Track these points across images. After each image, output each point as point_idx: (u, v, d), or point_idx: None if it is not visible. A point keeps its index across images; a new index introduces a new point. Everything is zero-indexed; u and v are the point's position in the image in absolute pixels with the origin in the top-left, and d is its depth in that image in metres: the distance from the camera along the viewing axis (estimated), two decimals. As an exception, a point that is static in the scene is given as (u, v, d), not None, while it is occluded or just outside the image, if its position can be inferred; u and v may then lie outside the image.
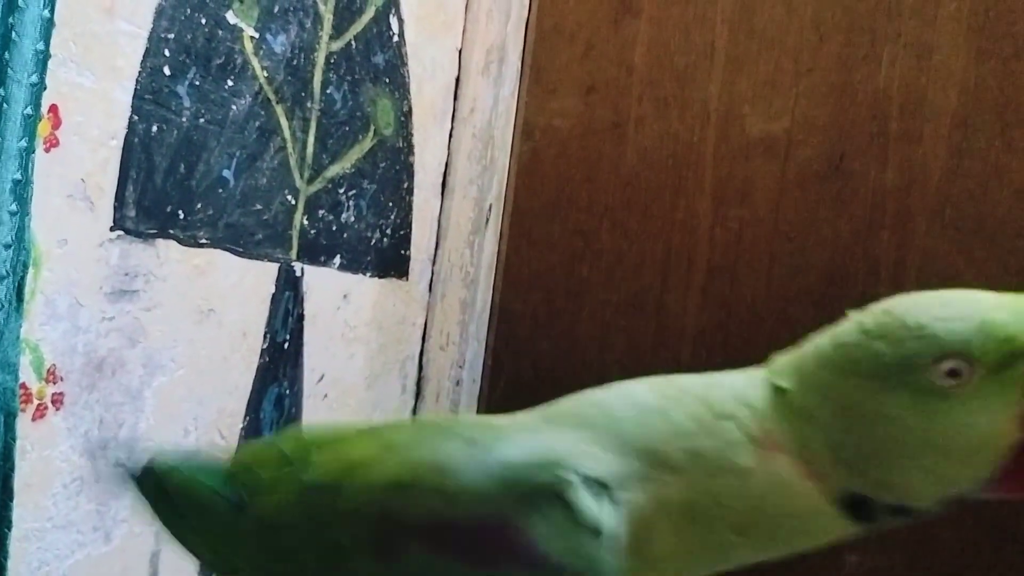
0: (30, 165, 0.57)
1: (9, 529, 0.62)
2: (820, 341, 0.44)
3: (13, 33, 0.51)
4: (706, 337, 1.24)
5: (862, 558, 1.16)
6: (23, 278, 0.58)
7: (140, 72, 0.78)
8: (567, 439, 0.40)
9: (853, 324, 0.42)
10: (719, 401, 0.43)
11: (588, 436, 0.40)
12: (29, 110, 0.55)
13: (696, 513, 0.40)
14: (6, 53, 0.51)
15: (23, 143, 0.55)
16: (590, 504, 0.36)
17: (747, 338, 1.22)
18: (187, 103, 0.83)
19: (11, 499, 0.61)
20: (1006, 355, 0.38)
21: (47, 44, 0.56)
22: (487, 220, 1.32)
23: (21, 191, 0.56)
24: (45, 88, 0.59)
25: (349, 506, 0.39)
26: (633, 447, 0.40)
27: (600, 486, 0.37)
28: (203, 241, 0.88)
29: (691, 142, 1.27)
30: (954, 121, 1.18)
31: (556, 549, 0.35)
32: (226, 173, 0.89)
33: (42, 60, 0.57)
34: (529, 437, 0.40)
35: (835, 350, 0.42)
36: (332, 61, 1.04)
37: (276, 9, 0.94)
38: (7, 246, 0.55)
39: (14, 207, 0.55)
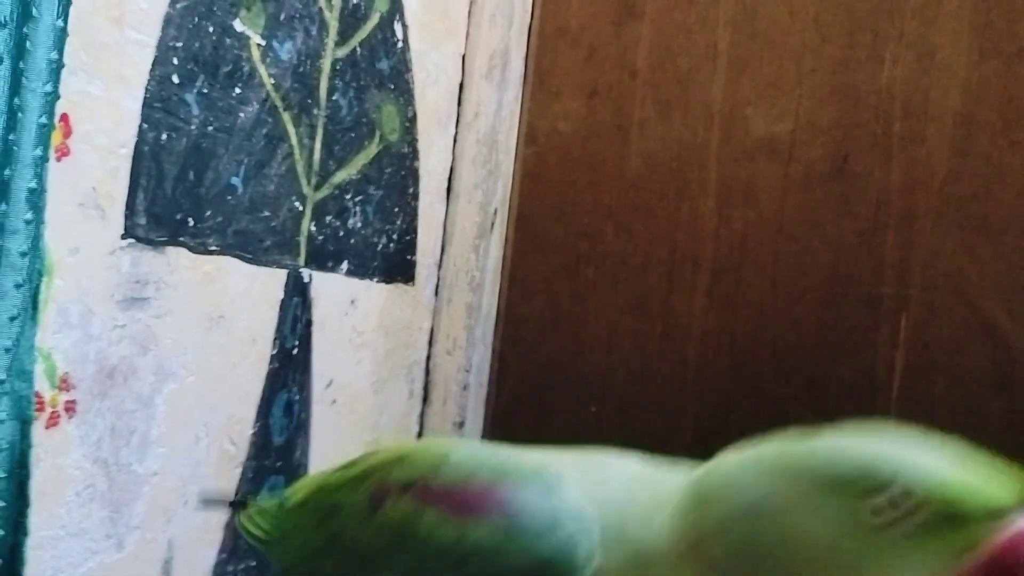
0: (44, 174, 0.57)
1: (25, 536, 0.62)
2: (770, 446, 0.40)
3: (27, 42, 0.52)
4: (712, 339, 1.24)
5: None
6: (38, 286, 0.59)
7: (149, 80, 0.78)
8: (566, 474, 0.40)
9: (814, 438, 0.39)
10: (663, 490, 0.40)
11: (578, 481, 0.40)
12: (43, 119, 0.56)
13: None
14: (21, 62, 0.51)
15: (38, 152, 0.55)
16: (574, 495, 0.36)
17: (753, 339, 1.23)
18: (195, 111, 0.84)
19: (27, 506, 0.62)
20: (948, 513, 0.35)
21: (61, 53, 0.57)
22: (492, 224, 1.33)
23: (36, 200, 0.56)
24: (59, 97, 0.59)
25: (355, 472, 0.42)
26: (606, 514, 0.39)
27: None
28: (212, 248, 0.88)
29: (695, 144, 1.27)
30: (957, 121, 1.18)
31: (535, 512, 0.36)
32: (234, 180, 0.90)
33: (56, 69, 0.57)
34: (525, 456, 0.40)
35: (786, 453, 0.39)
36: (338, 68, 1.04)
37: (282, 16, 0.94)
38: (23, 254, 0.55)
39: (29, 215, 0.56)
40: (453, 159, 1.31)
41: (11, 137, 0.51)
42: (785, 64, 1.25)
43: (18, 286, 0.55)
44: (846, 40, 1.23)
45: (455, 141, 1.31)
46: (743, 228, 1.25)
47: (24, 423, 0.60)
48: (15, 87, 0.50)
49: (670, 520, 0.38)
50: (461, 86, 1.30)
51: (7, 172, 0.51)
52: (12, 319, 0.56)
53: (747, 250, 1.24)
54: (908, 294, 1.18)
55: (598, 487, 0.39)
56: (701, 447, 1.40)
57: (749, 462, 0.40)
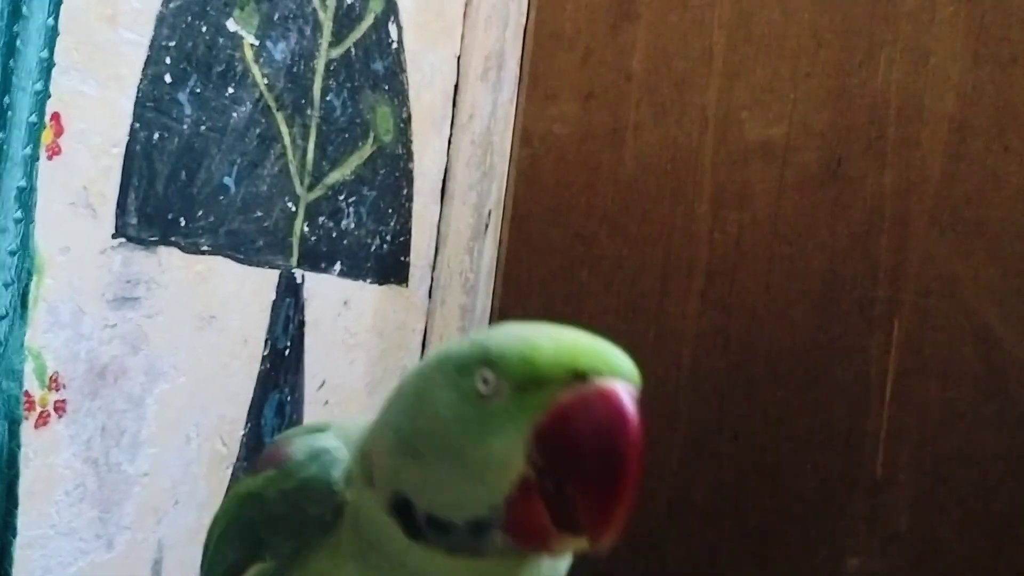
0: (35, 173, 0.57)
1: (14, 536, 0.62)
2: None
3: (18, 41, 0.52)
4: (706, 341, 1.24)
5: (864, 561, 1.16)
6: (28, 285, 0.59)
7: (142, 80, 0.78)
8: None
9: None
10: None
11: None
12: (34, 118, 0.56)
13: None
14: (11, 61, 0.51)
15: (28, 150, 0.55)
16: (332, 440, 0.45)
17: (747, 342, 1.23)
18: (188, 111, 0.84)
19: (16, 506, 0.62)
20: (526, 378, 0.38)
21: (51, 52, 0.57)
22: (486, 226, 1.33)
23: (26, 198, 0.56)
24: (49, 96, 0.59)
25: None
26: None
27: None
28: (204, 248, 0.88)
29: (690, 147, 1.27)
30: (951, 125, 1.18)
31: (301, 451, 0.45)
32: (227, 180, 0.90)
33: (46, 68, 0.57)
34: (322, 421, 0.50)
35: (450, 345, 0.44)
36: (332, 68, 1.04)
37: (276, 16, 0.94)
38: (12, 253, 0.55)
39: (19, 214, 0.56)
40: (447, 160, 1.30)
41: (1, 136, 0.51)
42: (780, 68, 1.25)
43: (7, 285, 0.55)
44: (841, 44, 1.23)
45: (449, 142, 1.30)
46: (737, 231, 1.25)
47: (13, 423, 0.60)
48: (5, 86, 0.50)
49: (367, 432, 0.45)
50: (456, 87, 1.30)
51: (-4, 170, 0.51)
52: (1, 318, 0.56)
53: (741, 253, 1.24)
54: (901, 298, 1.18)
55: (355, 432, 0.46)
56: (694, 449, 1.41)
57: (414, 368, 0.45)
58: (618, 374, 0.39)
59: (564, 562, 0.45)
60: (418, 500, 0.40)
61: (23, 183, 0.55)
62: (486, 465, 0.38)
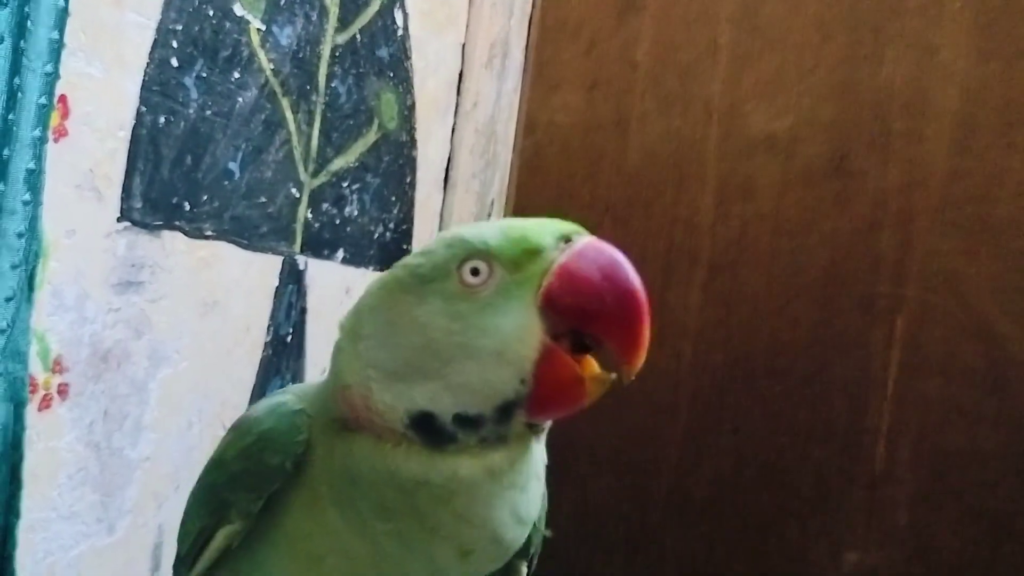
0: (43, 155, 0.56)
1: (17, 518, 0.62)
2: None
3: (28, 21, 0.51)
4: (707, 334, 1.24)
5: (861, 556, 1.16)
6: (35, 268, 0.58)
7: (148, 63, 0.78)
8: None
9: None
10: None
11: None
12: (43, 99, 0.55)
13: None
14: (22, 41, 0.51)
15: (37, 132, 0.55)
16: (291, 397, 0.45)
17: (748, 335, 1.23)
18: (194, 95, 0.83)
19: (20, 488, 0.61)
20: (521, 252, 0.40)
21: (62, 33, 0.56)
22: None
23: (34, 180, 0.56)
24: (59, 78, 0.58)
25: None
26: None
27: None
28: (208, 233, 0.88)
29: (694, 139, 1.27)
30: (956, 120, 1.18)
31: (262, 408, 0.45)
32: (232, 165, 0.89)
33: (56, 49, 0.56)
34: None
35: (388, 273, 0.44)
36: (337, 54, 1.04)
37: (283, 1, 0.94)
38: (20, 235, 0.55)
39: (27, 196, 0.55)
40: (451, 149, 1.30)
41: (10, 117, 0.50)
42: (786, 61, 1.24)
43: (14, 267, 0.55)
44: (847, 38, 1.23)
45: (453, 131, 1.30)
46: (741, 224, 1.25)
47: (18, 405, 0.60)
48: (15, 67, 0.49)
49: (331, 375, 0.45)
50: (460, 75, 1.30)
51: (6, 152, 0.50)
52: (8, 300, 0.55)
53: (744, 246, 1.24)
54: (904, 293, 1.18)
55: (308, 390, 0.47)
56: (694, 442, 1.41)
57: (356, 310, 0.45)
58: (585, 233, 0.42)
59: (541, 459, 0.45)
60: (441, 409, 0.40)
61: (32, 165, 0.55)
62: (505, 346, 0.39)
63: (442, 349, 0.40)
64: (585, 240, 0.41)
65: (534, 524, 0.45)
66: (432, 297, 0.41)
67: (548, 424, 0.43)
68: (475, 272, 0.40)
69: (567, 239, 0.41)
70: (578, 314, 0.40)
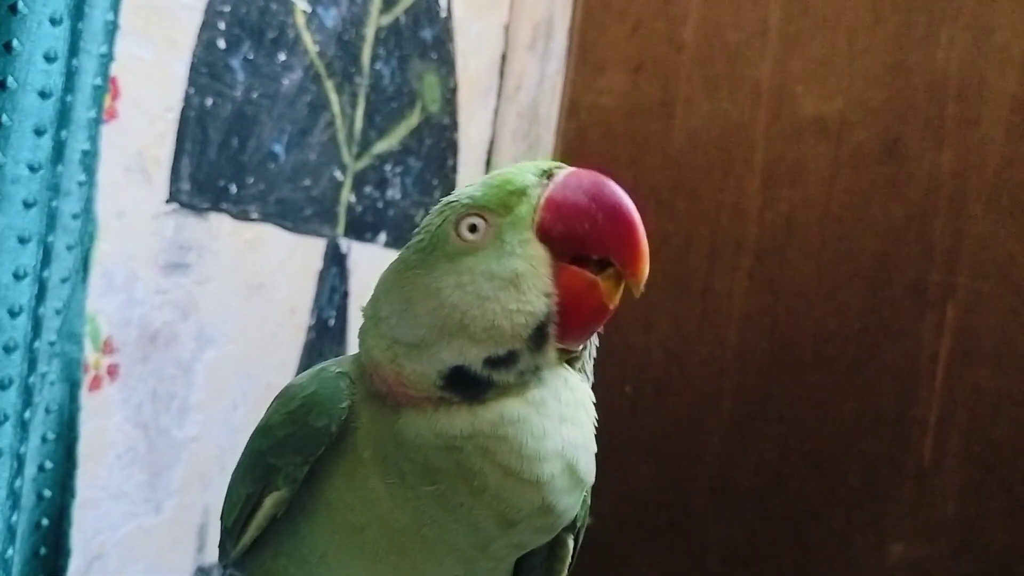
0: (98, 136, 0.56)
1: (73, 497, 0.62)
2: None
3: (86, 4, 0.51)
4: (752, 321, 1.22)
5: (907, 548, 1.15)
6: (89, 249, 0.58)
7: (196, 45, 0.77)
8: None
9: None
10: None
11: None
12: (98, 81, 0.55)
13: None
14: (79, 23, 0.50)
15: (92, 114, 0.55)
16: (334, 367, 0.46)
17: (795, 323, 1.21)
18: (240, 77, 0.83)
19: (75, 468, 0.62)
20: (507, 195, 0.41)
21: (116, 15, 0.56)
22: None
23: (89, 162, 0.56)
24: (113, 59, 0.58)
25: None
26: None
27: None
28: (254, 216, 0.88)
29: (741, 122, 1.24)
30: (1013, 104, 1.15)
31: (306, 376, 0.46)
32: (277, 148, 0.89)
33: (111, 31, 0.56)
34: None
35: (397, 258, 0.45)
36: (381, 36, 1.03)
37: (328, -18, 0.93)
38: (75, 216, 0.55)
39: (83, 177, 0.55)
40: (493, 132, 1.29)
41: (68, 99, 0.50)
42: (837, 42, 1.21)
43: (69, 248, 0.55)
44: (901, 19, 1.19)
45: (496, 113, 1.29)
46: (788, 209, 1.22)
47: (73, 385, 0.60)
48: (73, 48, 0.49)
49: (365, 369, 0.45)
50: (504, 57, 1.28)
51: (63, 133, 0.50)
52: (63, 281, 0.55)
53: (792, 232, 1.22)
54: (956, 281, 1.15)
55: (348, 359, 0.47)
56: (738, 430, 1.39)
57: (386, 270, 0.46)
58: (565, 167, 0.43)
59: (588, 394, 0.45)
60: (471, 359, 0.41)
61: (87, 146, 0.55)
62: (519, 277, 0.41)
63: (459, 304, 0.41)
64: (565, 170, 0.42)
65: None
66: (438, 263, 0.42)
67: (585, 353, 0.44)
68: (472, 229, 0.41)
69: (549, 174, 0.42)
70: (574, 239, 0.41)
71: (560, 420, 0.42)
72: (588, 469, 0.43)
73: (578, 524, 0.47)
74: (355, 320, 1.05)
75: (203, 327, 0.84)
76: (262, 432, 0.47)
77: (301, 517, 0.45)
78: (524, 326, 0.41)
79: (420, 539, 0.42)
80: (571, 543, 0.48)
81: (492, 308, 0.41)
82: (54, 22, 0.48)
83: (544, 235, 0.41)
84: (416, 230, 0.44)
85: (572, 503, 0.43)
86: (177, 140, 0.77)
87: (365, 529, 0.43)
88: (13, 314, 0.51)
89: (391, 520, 0.42)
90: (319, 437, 0.43)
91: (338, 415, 0.43)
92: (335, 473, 0.44)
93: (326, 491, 0.44)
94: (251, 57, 0.84)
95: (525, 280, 0.41)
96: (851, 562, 1.17)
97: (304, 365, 0.98)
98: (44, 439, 0.61)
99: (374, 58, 1.02)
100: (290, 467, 0.44)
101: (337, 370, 0.45)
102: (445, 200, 0.44)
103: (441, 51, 1.15)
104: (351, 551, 0.44)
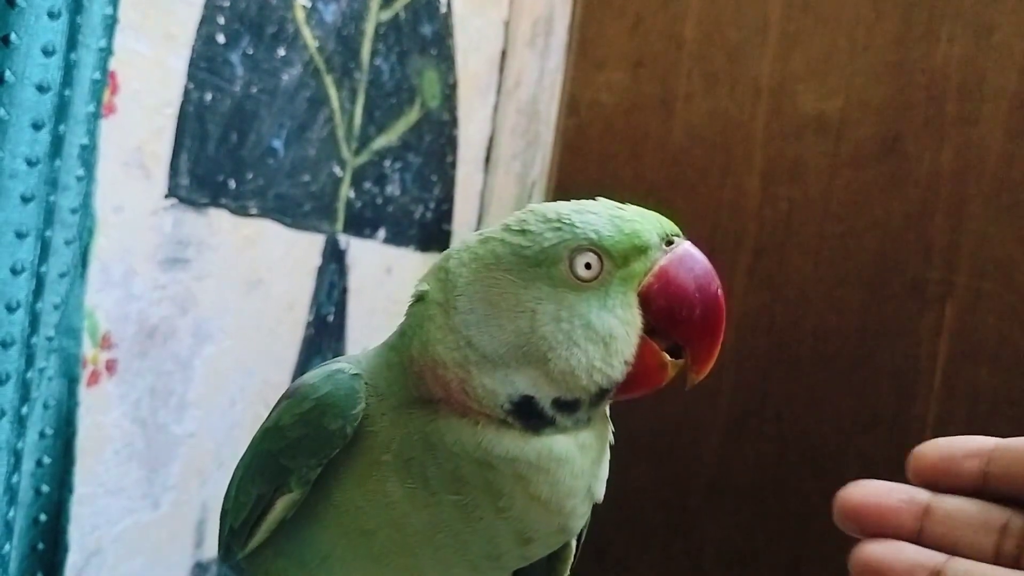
0: (96, 131, 0.56)
1: (71, 493, 0.62)
2: (467, 240, 0.44)
3: (84, -3, 0.51)
4: (751, 319, 1.22)
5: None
6: (87, 244, 0.58)
7: (195, 40, 0.77)
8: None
9: (499, 224, 0.44)
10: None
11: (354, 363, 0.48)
12: (97, 75, 0.55)
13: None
14: (78, 17, 0.50)
15: (91, 108, 0.54)
16: (346, 365, 0.45)
17: (794, 321, 1.21)
18: (239, 72, 0.83)
19: (73, 464, 0.62)
20: (631, 248, 0.41)
21: (115, 9, 0.56)
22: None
23: (88, 156, 0.55)
24: (112, 54, 0.58)
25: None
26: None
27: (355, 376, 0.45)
28: (252, 211, 0.87)
29: (741, 119, 1.24)
30: (1013, 103, 1.14)
31: (317, 375, 0.45)
32: (276, 143, 0.89)
33: (110, 25, 0.56)
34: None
35: (480, 246, 0.43)
36: (381, 31, 1.03)
37: (328, -23, 0.93)
38: (74, 211, 0.55)
39: (81, 172, 0.55)
40: (493, 128, 1.29)
41: (66, 93, 0.50)
42: (837, 39, 1.21)
43: (68, 243, 0.54)
44: (901, 17, 1.19)
45: (495, 110, 1.29)
46: (788, 207, 1.22)
47: (71, 381, 0.60)
48: (72, 42, 0.49)
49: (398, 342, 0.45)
50: (503, 53, 1.28)
51: (62, 128, 0.50)
52: (62, 275, 0.55)
53: (791, 230, 1.22)
54: (955, 280, 1.15)
55: (361, 359, 0.47)
56: (736, 428, 1.39)
57: (461, 253, 0.44)
58: (681, 235, 0.43)
59: (610, 427, 0.46)
60: (542, 394, 0.41)
61: (85, 141, 0.54)
62: (613, 338, 0.41)
63: (549, 338, 0.41)
64: (684, 245, 0.42)
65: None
66: (539, 282, 0.41)
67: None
68: (587, 266, 0.41)
69: (669, 240, 0.42)
70: (668, 319, 0.42)
71: (594, 461, 0.43)
72: (602, 491, 0.44)
73: (582, 525, 0.48)
74: (354, 316, 1.05)
75: (201, 323, 0.84)
76: (272, 433, 0.46)
77: (304, 519, 0.44)
78: (597, 384, 0.41)
79: (433, 545, 0.42)
80: (573, 544, 0.48)
81: (578, 357, 0.41)
82: (52, 16, 0.48)
83: (643, 300, 0.41)
84: (514, 229, 0.42)
85: (584, 518, 0.44)
86: (176, 135, 0.76)
87: (375, 533, 0.43)
88: (11, 309, 0.51)
89: (404, 524, 0.42)
90: (334, 438, 0.43)
91: (353, 418, 0.43)
92: (345, 475, 0.43)
93: (334, 493, 0.43)
94: (250, 52, 0.83)
95: (616, 343, 0.41)
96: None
97: (302, 361, 0.98)
98: (42, 434, 0.61)
99: (374, 54, 1.02)
100: (303, 469, 0.43)
101: (352, 371, 0.44)
102: (560, 215, 0.42)
103: (441, 47, 1.15)
104: (356, 554, 0.44)
